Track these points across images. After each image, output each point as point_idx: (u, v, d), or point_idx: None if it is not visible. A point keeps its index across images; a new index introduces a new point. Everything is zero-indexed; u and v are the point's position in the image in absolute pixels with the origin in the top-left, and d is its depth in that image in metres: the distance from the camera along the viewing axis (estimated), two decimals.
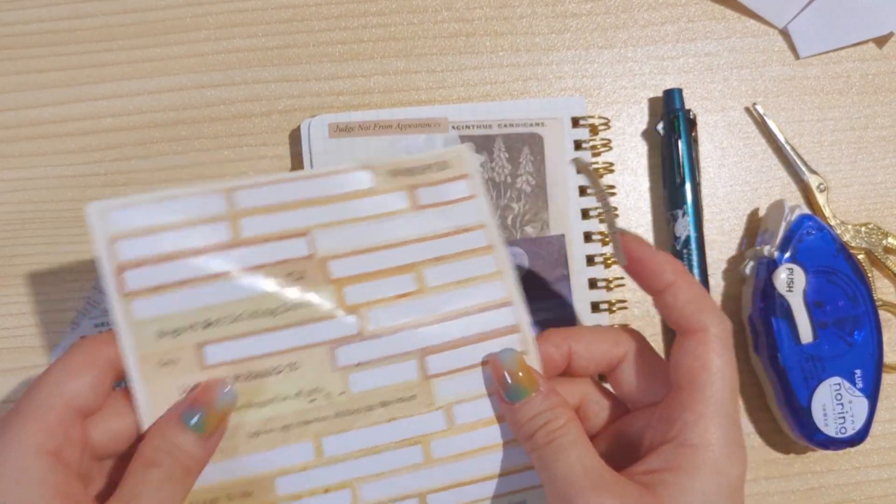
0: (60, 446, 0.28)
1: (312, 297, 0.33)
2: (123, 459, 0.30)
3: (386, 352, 0.33)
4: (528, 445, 0.31)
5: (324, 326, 0.33)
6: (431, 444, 0.33)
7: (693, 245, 0.44)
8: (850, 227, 0.45)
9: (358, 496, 0.32)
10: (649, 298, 0.33)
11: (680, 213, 0.44)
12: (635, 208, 0.46)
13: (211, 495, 0.31)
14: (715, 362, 0.30)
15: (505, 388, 0.32)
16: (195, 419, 0.29)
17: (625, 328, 0.35)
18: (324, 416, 0.32)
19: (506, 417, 0.33)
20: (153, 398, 0.30)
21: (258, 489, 0.31)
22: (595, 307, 0.44)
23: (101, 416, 0.30)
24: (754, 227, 0.46)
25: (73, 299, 0.44)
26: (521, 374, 0.32)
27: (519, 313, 0.34)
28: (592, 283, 0.44)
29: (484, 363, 0.34)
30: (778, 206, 0.44)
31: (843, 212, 0.46)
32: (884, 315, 0.45)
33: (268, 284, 0.33)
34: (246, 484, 0.31)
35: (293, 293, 0.33)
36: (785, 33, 0.47)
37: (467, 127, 0.44)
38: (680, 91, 0.45)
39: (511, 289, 0.35)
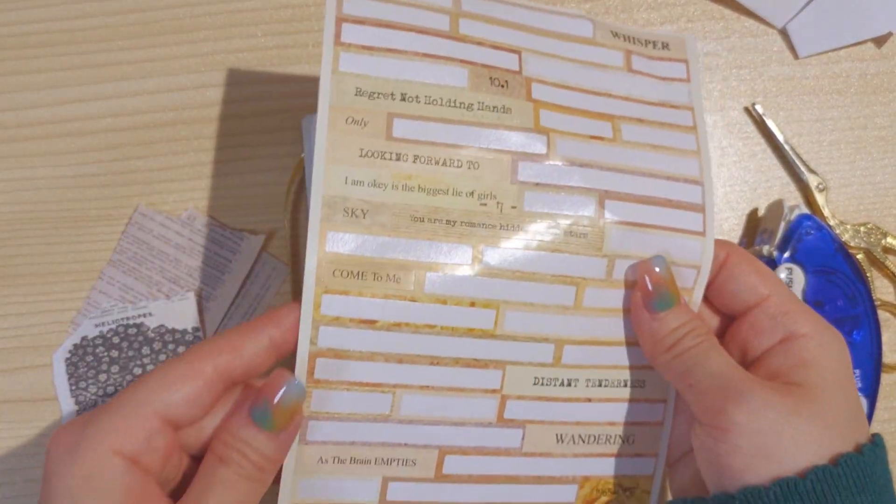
0: (139, 452, 0.27)
1: (511, 105, 0.32)
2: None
3: (567, 181, 0.32)
4: (669, 354, 0.32)
5: (514, 136, 0.32)
6: (586, 290, 0.32)
7: None
8: (849, 226, 0.45)
9: (500, 322, 0.31)
10: None
11: None
12: None
13: (358, 267, 0.30)
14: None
15: (651, 296, 0.32)
16: (263, 416, 0.28)
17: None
18: (490, 224, 0.31)
19: (641, 326, 0.32)
20: (334, 148, 0.30)
21: (407, 278, 0.30)
22: None
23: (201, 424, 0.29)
24: (753, 227, 0.46)
25: (73, 299, 0.44)
26: (671, 283, 0.32)
27: (707, 196, 0.34)
28: None
29: (659, 227, 0.33)
30: (777, 206, 0.44)
31: (842, 211, 0.46)
32: (883, 315, 0.45)
33: (472, 80, 0.32)
34: (398, 268, 0.30)
35: (493, 96, 0.32)
36: (784, 33, 0.47)
37: None
38: None
39: (706, 172, 0.34)
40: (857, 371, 0.42)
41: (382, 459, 0.32)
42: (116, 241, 0.44)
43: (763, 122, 0.46)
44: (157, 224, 0.44)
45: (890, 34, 0.46)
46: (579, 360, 0.33)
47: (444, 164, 0.31)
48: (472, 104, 0.32)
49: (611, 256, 0.32)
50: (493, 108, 0.32)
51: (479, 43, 0.33)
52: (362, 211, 0.30)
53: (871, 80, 0.47)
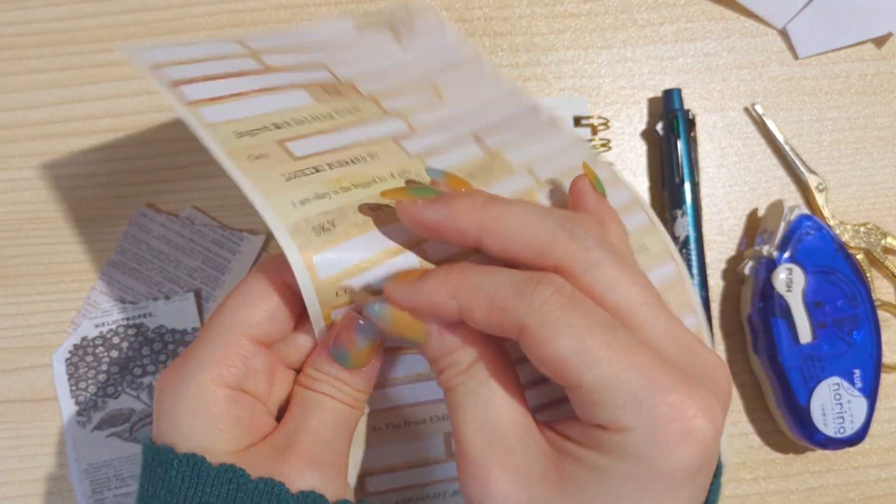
0: (240, 378, 0.27)
1: (357, 104, 0.33)
2: None
3: (443, 139, 0.33)
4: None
5: (380, 125, 0.32)
6: (536, 194, 0.33)
7: (692, 245, 0.44)
8: (848, 226, 0.45)
9: None
10: None
11: (679, 213, 0.44)
12: None
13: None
14: None
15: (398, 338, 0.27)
16: (342, 356, 0.27)
17: None
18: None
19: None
20: (260, 184, 0.28)
21: (408, 259, 0.29)
22: None
23: (291, 337, 0.29)
24: (753, 228, 0.46)
25: (73, 299, 0.44)
26: (398, 325, 0.26)
27: (532, 99, 0.35)
28: None
29: (530, 131, 0.35)
30: (777, 206, 0.44)
31: (842, 212, 0.46)
32: (882, 315, 0.45)
33: (313, 95, 0.32)
34: (395, 253, 0.29)
35: (339, 101, 0.33)
36: (784, 33, 0.47)
37: None
38: (679, 91, 0.45)
39: (515, 86, 0.36)
40: (857, 371, 0.42)
41: (438, 416, 0.31)
42: (116, 241, 0.44)
43: (763, 122, 0.46)
44: (157, 224, 0.44)
45: (890, 34, 0.46)
46: None
47: (354, 161, 0.31)
48: (330, 113, 0.32)
49: (525, 165, 0.33)
50: (347, 110, 0.33)
51: (291, 69, 0.33)
52: (329, 223, 0.28)
53: (871, 81, 0.47)
